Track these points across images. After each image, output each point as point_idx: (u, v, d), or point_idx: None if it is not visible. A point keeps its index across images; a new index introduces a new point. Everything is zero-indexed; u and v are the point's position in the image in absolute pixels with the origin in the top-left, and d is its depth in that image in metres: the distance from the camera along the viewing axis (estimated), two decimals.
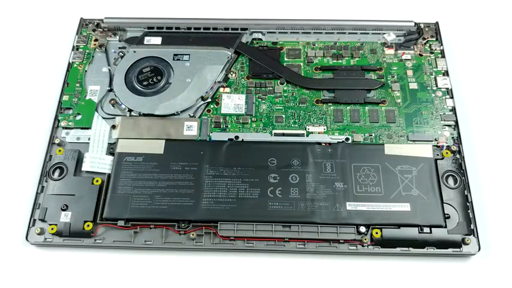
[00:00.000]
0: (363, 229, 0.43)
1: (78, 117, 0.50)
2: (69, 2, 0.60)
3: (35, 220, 0.44)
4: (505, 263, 0.44)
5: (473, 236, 0.43)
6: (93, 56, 0.54)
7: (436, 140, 0.48)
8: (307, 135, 0.49)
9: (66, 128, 0.49)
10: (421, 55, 0.54)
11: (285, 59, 0.54)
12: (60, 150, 0.47)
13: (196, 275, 0.43)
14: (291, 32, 0.56)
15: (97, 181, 0.45)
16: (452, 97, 0.51)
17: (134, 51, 0.53)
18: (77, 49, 0.54)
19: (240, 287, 0.43)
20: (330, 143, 0.48)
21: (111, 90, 0.51)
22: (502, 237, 0.45)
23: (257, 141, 0.48)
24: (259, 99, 0.51)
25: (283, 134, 0.49)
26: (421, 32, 0.55)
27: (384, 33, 0.55)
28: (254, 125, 0.50)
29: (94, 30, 0.55)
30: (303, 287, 0.43)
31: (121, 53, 0.54)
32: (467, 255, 0.44)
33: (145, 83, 0.51)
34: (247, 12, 0.59)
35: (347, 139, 0.48)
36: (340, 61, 0.54)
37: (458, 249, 0.43)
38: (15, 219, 0.46)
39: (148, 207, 0.44)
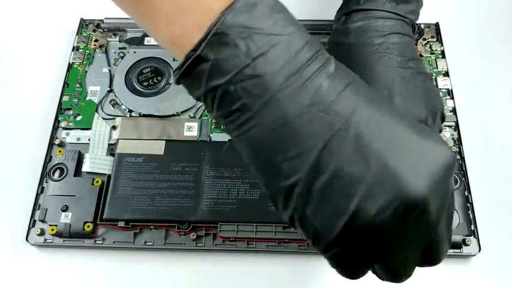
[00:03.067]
0: None
1: (79, 118, 0.50)
2: (69, 2, 0.60)
3: (35, 221, 0.44)
4: (505, 264, 0.44)
5: (474, 237, 0.43)
6: (93, 57, 0.53)
7: None
8: None
9: (66, 128, 0.49)
10: (421, 56, 0.53)
11: None
12: (60, 151, 0.47)
13: (197, 276, 0.43)
14: None
15: (97, 182, 0.45)
16: (452, 98, 0.51)
17: (134, 52, 0.53)
18: (77, 50, 0.54)
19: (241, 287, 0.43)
20: None
21: (111, 90, 0.51)
22: (502, 238, 0.45)
23: None
24: None
25: None
26: (421, 33, 0.54)
27: None
28: None
29: (94, 31, 0.55)
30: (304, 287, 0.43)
31: (121, 54, 0.53)
32: (468, 256, 0.44)
33: (145, 83, 0.51)
34: None
35: None
36: None
37: (459, 250, 0.43)
38: (15, 220, 0.45)
39: (149, 208, 0.44)
